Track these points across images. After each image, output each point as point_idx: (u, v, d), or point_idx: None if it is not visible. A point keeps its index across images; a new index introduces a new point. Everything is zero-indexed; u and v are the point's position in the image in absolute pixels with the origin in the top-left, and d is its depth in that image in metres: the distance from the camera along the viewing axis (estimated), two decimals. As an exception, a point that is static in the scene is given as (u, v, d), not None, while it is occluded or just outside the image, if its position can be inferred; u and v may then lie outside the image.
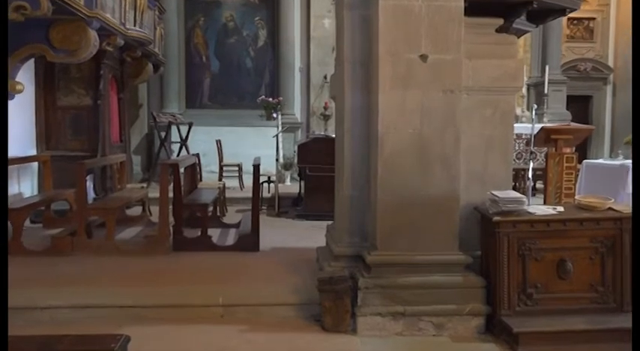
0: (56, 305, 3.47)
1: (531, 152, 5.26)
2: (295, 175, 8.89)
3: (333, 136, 5.02)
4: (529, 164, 4.70)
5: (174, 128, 8.97)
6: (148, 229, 5.57)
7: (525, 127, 7.21)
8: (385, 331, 3.33)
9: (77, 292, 3.65)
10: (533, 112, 4.92)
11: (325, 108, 9.58)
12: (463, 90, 3.41)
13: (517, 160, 7.55)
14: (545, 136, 5.25)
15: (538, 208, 3.50)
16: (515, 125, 4.04)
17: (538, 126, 5.47)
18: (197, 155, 7.21)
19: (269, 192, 8.02)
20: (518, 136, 7.40)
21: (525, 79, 10.20)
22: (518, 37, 3.83)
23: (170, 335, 3.29)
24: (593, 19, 11.01)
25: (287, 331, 3.37)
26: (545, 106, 9.80)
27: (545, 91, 9.80)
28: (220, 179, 8.37)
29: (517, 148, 7.52)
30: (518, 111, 9.61)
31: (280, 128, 8.66)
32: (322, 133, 8.45)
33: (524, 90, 10.26)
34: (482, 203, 3.50)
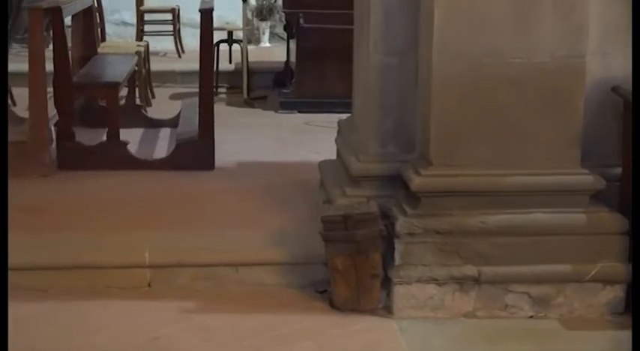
0: None
1: None
2: (279, 30, 8.77)
3: (350, -47, 4.89)
4: None
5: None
6: (12, 131, 5.55)
7: None
8: (444, 311, 3.39)
9: None
10: None
11: None
12: None
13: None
14: None
15: None
16: None
17: None
18: (95, -7, 7.09)
19: (231, 62, 7.99)
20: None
21: None
22: None
23: (59, 317, 3.35)
24: None
25: (267, 310, 3.43)
26: None
27: None
28: (140, 38, 8.30)
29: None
30: None
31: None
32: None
33: None
34: (629, 80, 3.43)
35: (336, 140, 4.35)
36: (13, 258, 3.59)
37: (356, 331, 3.29)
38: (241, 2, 7.64)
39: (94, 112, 5.71)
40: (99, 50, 6.62)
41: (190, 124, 5.32)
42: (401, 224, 3.37)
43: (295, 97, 6.83)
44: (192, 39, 7.99)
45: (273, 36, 9.16)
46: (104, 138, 5.10)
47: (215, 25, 5.29)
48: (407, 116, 3.63)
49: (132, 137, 5.37)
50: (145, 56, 7.08)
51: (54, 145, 4.99)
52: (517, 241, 3.37)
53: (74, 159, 4.95)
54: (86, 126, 5.44)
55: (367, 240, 3.36)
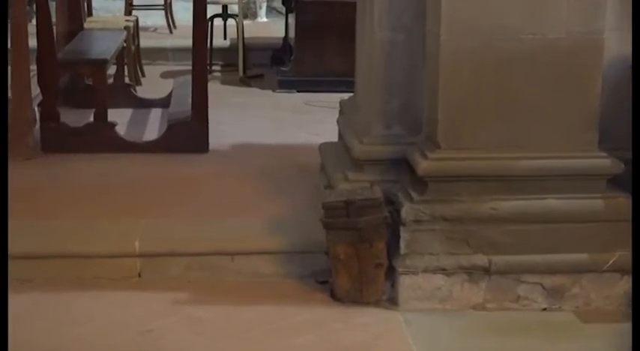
0: None
1: None
2: (277, 4, 8.75)
3: None
4: None
5: None
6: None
7: None
8: (452, 303, 3.39)
9: None
10: None
11: None
12: None
13: None
14: None
15: None
16: None
17: None
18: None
19: (226, 38, 8.01)
20: None
21: None
22: None
23: (45, 309, 3.34)
24: None
25: (264, 301, 3.42)
26: None
27: None
28: (129, 12, 8.31)
29: None
30: None
31: None
32: None
33: None
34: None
35: (337, 121, 4.33)
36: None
37: (359, 323, 3.28)
38: (236, -26, 7.65)
39: (80, 91, 5.71)
40: (85, 25, 6.63)
41: (183, 104, 5.30)
42: (407, 211, 3.34)
43: (294, 76, 6.83)
44: (184, 13, 7.97)
45: (270, 10, 9.16)
46: (91, 119, 5.08)
47: (209, -1, 5.27)
48: (413, 96, 3.61)
49: (120, 118, 5.37)
50: (134, 32, 7.08)
51: (37, 126, 4.98)
52: (530, 228, 3.35)
53: (59, 141, 4.94)
54: (72, 106, 5.45)
55: (370, 227, 3.33)
